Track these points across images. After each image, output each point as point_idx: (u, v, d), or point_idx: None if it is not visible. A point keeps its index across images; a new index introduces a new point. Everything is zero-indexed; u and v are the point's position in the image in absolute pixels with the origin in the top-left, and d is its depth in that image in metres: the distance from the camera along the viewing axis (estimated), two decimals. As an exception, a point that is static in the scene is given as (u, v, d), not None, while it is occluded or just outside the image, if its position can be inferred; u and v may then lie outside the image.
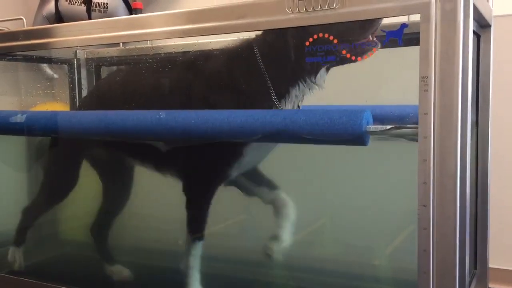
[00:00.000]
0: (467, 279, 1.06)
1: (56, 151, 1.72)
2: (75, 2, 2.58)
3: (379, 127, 1.05)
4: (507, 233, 1.93)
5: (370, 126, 1.06)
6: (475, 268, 1.43)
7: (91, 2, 2.53)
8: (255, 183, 1.48)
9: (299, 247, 1.62)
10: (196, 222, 1.40)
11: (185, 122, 1.27)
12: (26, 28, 1.56)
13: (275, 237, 1.43)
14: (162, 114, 1.27)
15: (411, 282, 1.02)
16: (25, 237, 1.77)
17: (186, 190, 1.41)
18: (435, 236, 0.97)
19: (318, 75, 1.23)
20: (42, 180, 1.77)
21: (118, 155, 1.64)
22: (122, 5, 2.47)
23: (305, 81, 1.24)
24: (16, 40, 1.52)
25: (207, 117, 1.23)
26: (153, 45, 1.82)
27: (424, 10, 0.94)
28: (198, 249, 1.39)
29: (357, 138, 1.05)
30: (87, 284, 1.64)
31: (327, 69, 1.23)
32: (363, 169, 1.57)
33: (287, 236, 1.43)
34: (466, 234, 0.99)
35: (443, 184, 0.96)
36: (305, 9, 1.05)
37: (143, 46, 1.84)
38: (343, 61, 1.16)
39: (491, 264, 1.47)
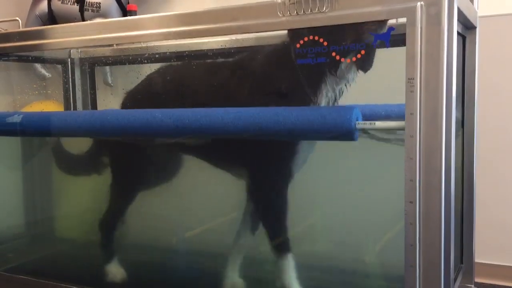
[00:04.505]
0: (453, 273, 1.10)
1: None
2: (68, 2, 2.59)
3: (368, 123, 1.09)
4: (493, 229, 1.98)
5: (359, 122, 1.10)
6: (462, 263, 1.48)
7: (84, 1, 2.54)
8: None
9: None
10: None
11: (180, 120, 1.30)
12: (21, 29, 1.58)
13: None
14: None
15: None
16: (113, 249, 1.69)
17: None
18: (421, 231, 1.01)
19: (339, 70, 1.21)
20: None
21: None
22: (115, 5, 2.49)
23: (329, 75, 1.23)
24: (11, 41, 1.54)
25: (201, 115, 1.26)
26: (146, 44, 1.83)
27: (410, 14, 0.97)
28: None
29: (347, 134, 1.09)
30: (83, 282, 1.67)
31: (356, 65, 1.19)
32: (354, 167, 1.60)
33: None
34: (451, 229, 1.03)
35: (429, 181, 1.00)
36: (296, 12, 1.08)
37: (138, 46, 1.86)
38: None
39: (477, 259, 1.51)
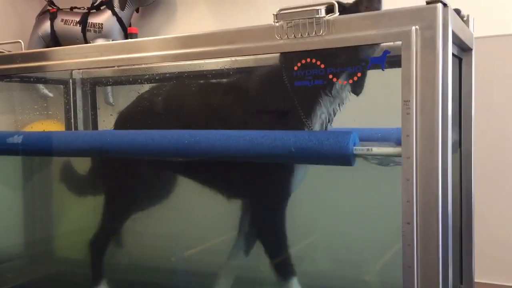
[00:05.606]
0: (452, 293, 1.10)
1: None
2: (71, 23, 2.62)
3: (365, 149, 1.10)
4: (493, 248, 1.97)
5: (356, 147, 1.11)
6: (461, 283, 1.47)
7: (86, 22, 2.58)
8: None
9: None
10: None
11: (178, 142, 1.32)
12: (24, 51, 1.60)
13: None
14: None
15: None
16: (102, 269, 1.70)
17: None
18: (419, 253, 1.01)
19: (334, 89, 1.25)
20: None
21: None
22: (117, 26, 2.52)
23: (324, 96, 1.26)
24: (14, 63, 1.56)
25: (200, 137, 1.28)
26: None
27: (405, 37, 0.99)
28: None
29: (344, 159, 1.10)
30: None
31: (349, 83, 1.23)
32: (352, 186, 1.60)
33: None
34: (449, 250, 1.03)
35: (426, 202, 1.00)
36: (294, 35, 1.10)
37: (138, 67, 1.88)
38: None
39: (477, 279, 1.50)
